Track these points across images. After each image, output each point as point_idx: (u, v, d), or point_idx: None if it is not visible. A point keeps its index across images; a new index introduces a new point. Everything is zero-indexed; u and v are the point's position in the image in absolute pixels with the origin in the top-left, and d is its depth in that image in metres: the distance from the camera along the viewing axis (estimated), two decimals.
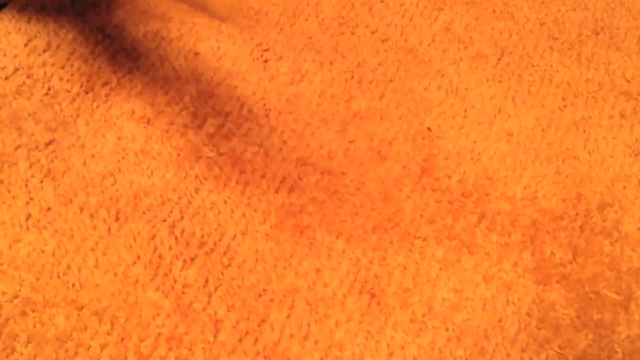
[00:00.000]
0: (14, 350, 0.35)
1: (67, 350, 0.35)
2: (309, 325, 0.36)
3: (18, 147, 0.41)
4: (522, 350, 0.36)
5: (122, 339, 0.35)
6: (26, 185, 0.40)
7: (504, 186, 0.41)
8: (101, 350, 0.35)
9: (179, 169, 0.41)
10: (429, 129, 0.44)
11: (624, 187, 0.42)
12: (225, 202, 0.40)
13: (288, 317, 0.37)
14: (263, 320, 0.36)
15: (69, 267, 0.37)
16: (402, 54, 0.47)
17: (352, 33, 0.48)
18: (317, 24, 0.48)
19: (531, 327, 0.37)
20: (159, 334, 0.35)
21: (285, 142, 0.43)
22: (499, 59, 0.47)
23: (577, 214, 0.41)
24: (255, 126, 0.43)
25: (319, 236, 0.39)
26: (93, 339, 0.35)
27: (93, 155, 0.41)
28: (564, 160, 0.43)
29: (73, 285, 0.37)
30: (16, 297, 0.36)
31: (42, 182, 0.40)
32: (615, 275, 0.39)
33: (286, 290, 0.37)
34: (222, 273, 0.38)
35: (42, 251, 0.38)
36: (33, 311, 0.36)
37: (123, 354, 0.35)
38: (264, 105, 0.45)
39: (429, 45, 0.48)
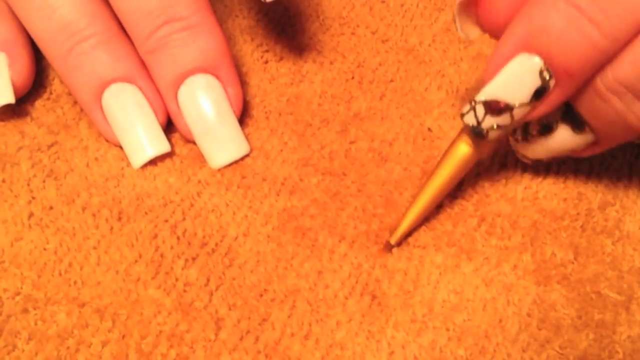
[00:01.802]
0: (15, 347, 0.35)
1: (68, 348, 0.35)
2: (310, 324, 0.36)
3: (20, 148, 0.41)
4: (523, 350, 0.36)
5: (124, 336, 0.35)
6: (28, 185, 0.40)
7: (505, 187, 0.41)
8: (102, 347, 0.35)
9: (182, 174, 0.41)
10: (429, 129, 0.44)
11: (625, 186, 0.42)
12: (227, 205, 0.40)
13: (289, 316, 0.37)
14: (264, 320, 0.36)
15: (70, 265, 0.37)
16: (403, 54, 0.47)
17: (353, 33, 0.48)
18: (318, 24, 0.48)
19: (532, 328, 0.37)
20: (160, 332, 0.35)
21: (285, 143, 0.43)
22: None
23: (578, 213, 0.41)
24: (255, 130, 0.43)
25: (320, 239, 0.39)
26: (94, 336, 0.35)
27: (96, 159, 0.41)
28: (564, 160, 0.43)
29: (75, 282, 0.37)
30: (17, 294, 0.36)
31: (44, 181, 0.40)
32: (617, 274, 0.39)
33: (287, 290, 0.37)
34: (223, 273, 0.38)
35: (44, 249, 0.38)
36: (34, 308, 0.36)
37: (124, 351, 0.35)
38: (265, 107, 0.45)
39: (429, 45, 0.48)
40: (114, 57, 0.39)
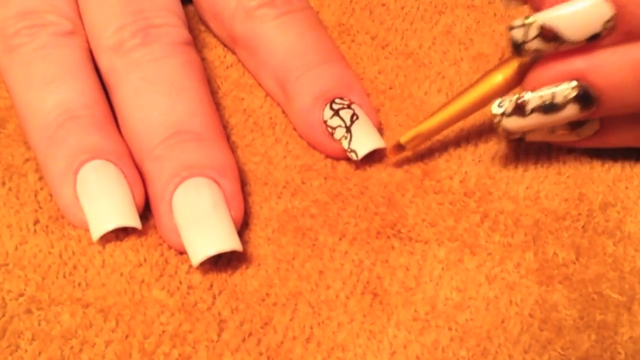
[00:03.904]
0: (18, 347, 0.35)
1: (72, 347, 0.35)
2: (311, 327, 0.36)
3: (27, 160, 0.42)
4: (525, 352, 0.36)
5: (127, 336, 0.35)
6: (35, 196, 0.40)
7: (507, 185, 0.42)
8: (106, 347, 0.35)
9: None
10: None
11: (626, 187, 0.42)
12: None
13: (291, 320, 0.37)
14: (266, 323, 0.36)
15: (75, 267, 0.37)
16: (402, 59, 0.48)
17: (353, 41, 0.49)
18: None
19: (534, 328, 0.37)
20: (163, 331, 0.36)
21: (289, 151, 0.43)
22: (500, 59, 0.47)
23: (579, 214, 0.41)
24: (259, 137, 0.44)
25: (321, 237, 0.39)
26: (98, 336, 0.35)
27: None
28: (565, 160, 0.43)
29: (79, 284, 0.37)
30: (21, 295, 0.36)
31: (51, 195, 0.40)
32: (619, 275, 0.38)
33: (289, 293, 0.37)
34: (225, 280, 0.38)
35: (49, 253, 0.38)
36: (38, 309, 0.36)
37: (127, 351, 0.35)
38: (271, 118, 0.45)
39: (429, 48, 0.48)
40: (105, 135, 0.39)
